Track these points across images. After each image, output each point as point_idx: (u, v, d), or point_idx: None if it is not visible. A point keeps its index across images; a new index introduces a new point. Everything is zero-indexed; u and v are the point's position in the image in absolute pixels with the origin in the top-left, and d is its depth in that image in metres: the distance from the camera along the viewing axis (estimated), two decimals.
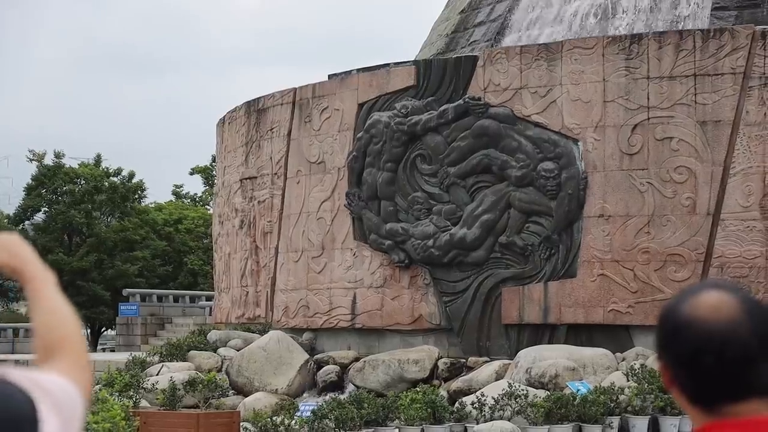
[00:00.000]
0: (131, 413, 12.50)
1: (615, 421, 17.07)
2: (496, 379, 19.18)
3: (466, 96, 21.78)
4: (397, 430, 16.55)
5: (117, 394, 16.99)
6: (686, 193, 19.91)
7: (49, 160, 60.19)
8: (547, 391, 17.69)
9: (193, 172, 69.15)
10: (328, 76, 25.01)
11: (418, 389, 17.76)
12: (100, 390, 14.62)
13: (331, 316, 23.62)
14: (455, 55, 25.32)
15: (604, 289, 20.35)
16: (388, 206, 22.67)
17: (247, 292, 26.49)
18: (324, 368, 22.17)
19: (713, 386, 2.14)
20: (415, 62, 23.74)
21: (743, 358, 2.12)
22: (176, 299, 47.86)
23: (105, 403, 11.69)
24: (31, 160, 60.29)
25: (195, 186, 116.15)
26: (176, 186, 71.32)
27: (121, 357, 28.83)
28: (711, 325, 2.16)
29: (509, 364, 19.89)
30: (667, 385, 2.24)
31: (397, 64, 23.67)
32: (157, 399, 17.34)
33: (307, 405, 16.98)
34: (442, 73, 22.32)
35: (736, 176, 19.73)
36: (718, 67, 19.93)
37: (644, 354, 19.25)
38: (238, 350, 23.37)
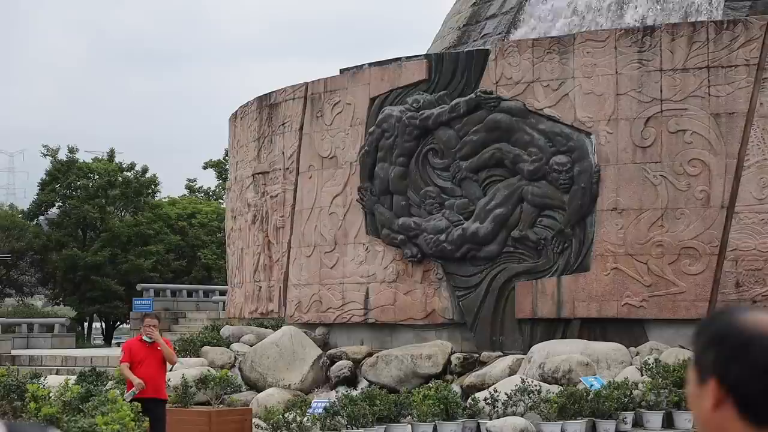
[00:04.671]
0: (140, 412, 12.48)
1: (629, 416, 16.98)
2: (510, 374, 19.10)
3: (478, 90, 21.68)
4: (409, 426, 16.49)
5: None
6: (700, 186, 19.78)
7: (62, 155, 60.35)
8: (560, 387, 17.61)
9: (206, 166, 69.22)
10: (340, 70, 24.94)
11: (430, 385, 17.70)
12: (110, 390, 14.60)
13: (344, 311, 23.59)
14: (467, 49, 25.21)
15: (617, 283, 20.25)
16: (401, 201, 22.60)
17: (260, 287, 26.48)
18: (337, 363, 22.13)
19: None
20: (427, 56, 23.64)
21: None
22: (190, 294, 47.92)
23: (114, 404, 11.65)
24: (45, 155, 60.47)
25: (208, 180, 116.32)
26: (190, 180, 71.47)
27: None
28: None
29: (522, 358, 19.81)
30: (713, 405, 2.16)
31: (408, 58, 23.58)
32: (169, 396, 17.32)
33: (320, 402, 16.93)
34: (454, 67, 22.22)
35: (750, 168, 19.58)
36: (731, 59, 19.78)
37: (658, 348, 19.15)
38: (251, 345, 23.36)
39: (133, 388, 13.66)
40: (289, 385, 21.30)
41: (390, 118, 22.72)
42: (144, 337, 14.14)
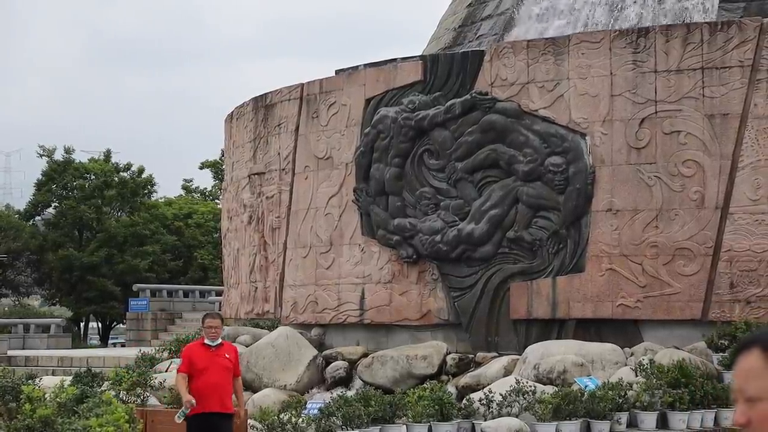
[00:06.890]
0: (135, 414, 12.48)
1: (623, 416, 17.00)
2: (505, 375, 19.12)
3: (473, 91, 21.71)
4: (404, 427, 16.50)
5: (125, 393, 17.01)
6: (694, 187, 19.83)
7: (59, 155, 60.35)
8: (555, 387, 17.63)
9: (202, 166, 69.26)
10: (335, 71, 24.98)
11: (425, 386, 17.71)
12: (105, 391, 14.59)
13: (340, 311, 23.62)
14: (462, 50, 25.25)
15: (612, 284, 20.30)
16: (396, 201, 22.63)
17: (256, 288, 26.50)
18: (332, 364, 22.15)
19: None
20: (422, 57, 23.67)
21: None
22: (186, 294, 47.96)
23: (109, 406, 11.66)
24: (41, 155, 60.47)
25: (205, 180, 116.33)
26: (186, 180, 71.51)
27: (131, 353, 28.90)
28: None
29: (518, 359, 19.84)
30: None
31: (404, 59, 23.62)
32: (165, 397, 17.35)
33: (315, 403, 16.95)
34: (449, 68, 22.25)
35: (744, 169, 19.64)
36: (725, 60, 19.83)
37: (653, 349, 19.19)
38: (247, 346, 23.37)
39: (183, 408, 11.78)
40: (285, 385, 21.33)
41: (385, 119, 22.76)
42: (206, 341, 12.19)
